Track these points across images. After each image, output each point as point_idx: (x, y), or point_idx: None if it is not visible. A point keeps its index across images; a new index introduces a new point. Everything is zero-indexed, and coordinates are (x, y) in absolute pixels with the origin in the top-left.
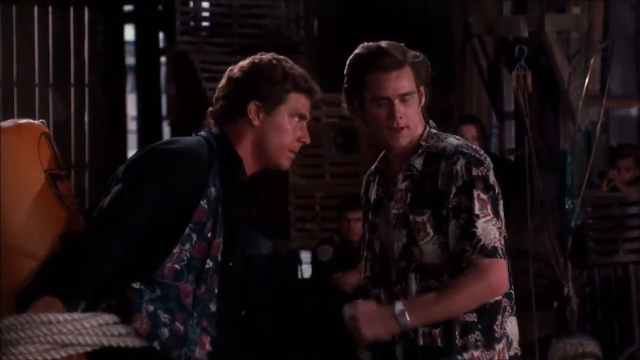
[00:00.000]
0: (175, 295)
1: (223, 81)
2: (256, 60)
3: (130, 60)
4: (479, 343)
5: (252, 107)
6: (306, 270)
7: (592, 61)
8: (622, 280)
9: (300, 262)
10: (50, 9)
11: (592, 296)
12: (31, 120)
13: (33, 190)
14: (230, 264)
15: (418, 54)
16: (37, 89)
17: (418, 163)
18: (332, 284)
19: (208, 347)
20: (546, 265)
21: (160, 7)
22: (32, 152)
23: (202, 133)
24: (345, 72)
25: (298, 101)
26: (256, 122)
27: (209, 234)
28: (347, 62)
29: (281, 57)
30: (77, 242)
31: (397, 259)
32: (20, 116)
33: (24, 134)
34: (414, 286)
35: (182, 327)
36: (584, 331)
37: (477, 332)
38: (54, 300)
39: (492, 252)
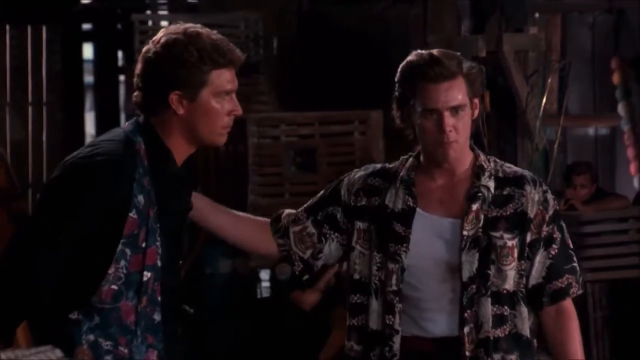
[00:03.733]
0: (116, 318)
1: (140, 67)
2: (169, 42)
3: (89, 78)
4: None
5: (173, 97)
6: (265, 289)
7: (549, 81)
8: (579, 298)
9: (259, 280)
10: (7, 27)
11: None
12: None
13: None
14: (178, 263)
15: (474, 64)
16: None
17: (491, 185)
18: (290, 303)
19: None
20: None
21: (119, 26)
22: None
23: (127, 126)
24: (396, 79)
25: (220, 78)
26: (181, 111)
27: (143, 244)
28: (399, 69)
29: (193, 29)
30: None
31: (464, 283)
32: None
33: None
34: (490, 312)
35: (126, 351)
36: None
37: None
38: None
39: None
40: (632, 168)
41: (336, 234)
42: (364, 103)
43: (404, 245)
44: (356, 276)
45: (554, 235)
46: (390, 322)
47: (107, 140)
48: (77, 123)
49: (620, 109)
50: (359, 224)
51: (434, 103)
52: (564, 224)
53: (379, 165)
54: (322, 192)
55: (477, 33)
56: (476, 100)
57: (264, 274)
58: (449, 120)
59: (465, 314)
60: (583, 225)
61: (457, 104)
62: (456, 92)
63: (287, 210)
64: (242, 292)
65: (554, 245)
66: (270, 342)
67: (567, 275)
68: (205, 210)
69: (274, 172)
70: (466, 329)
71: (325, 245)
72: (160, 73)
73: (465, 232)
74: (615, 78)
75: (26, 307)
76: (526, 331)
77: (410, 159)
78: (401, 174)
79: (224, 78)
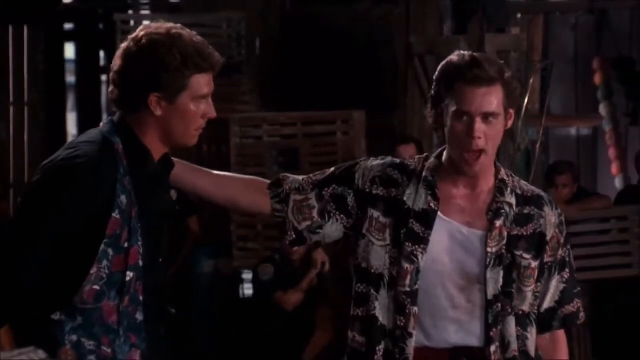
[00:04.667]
0: (98, 318)
1: (119, 63)
2: (152, 43)
3: (71, 78)
4: None
5: (152, 99)
6: (248, 289)
7: (531, 81)
8: None
9: (242, 281)
10: None
11: None
12: None
13: None
14: (160, 261)
15: (512, 74)
16: None
17: (513, 202)
18: (273, 303)
19: None
20: None
21: (101, 26)
22: None
23: (103, 126)
24: (434, 77)
25: (200, 82)
26: (159, 113)
27: (126, 244)
28: (439, 68)
29: (175, 32)
30: None
31: (489, 300)
32: None
33: None
34: (514, 332)
35: (109, 350)
36: None
37: None
38: None
39: None
40: (614, 168)
41: (342, 216)
42: (347, 103)
43: (422, 246)
44: (364, 265)
45: (567, 259)
46: (402, 324)
47: (85, 142)
48: (59, 123)
49: (602, 109)
50: (372, 212)
51: (468, 106)
52: (570, 248)
53: (397, 159)
54: (332, 169)
55: (459, 33)
56: (511, 111)
57: (247, 275)
58: (479, 126)
59: (491, 333)
60: (565, 225)
61: (491, 111)
62: (492, 99)
63: (290, 176)
64: (225, 293)
65: (567, 269)
66: (254, 343)
67: (576, 300)
68: (187, 174)
69: (256, 172)
70: (492, 348)
71: (327, 224)
72: (141, 73)
73: (489, 249)
74: (597, 78)
75: (8, 309)
76: (533, 352)
77: (432, 159)
78: (424, 173)
79: (203, 82)
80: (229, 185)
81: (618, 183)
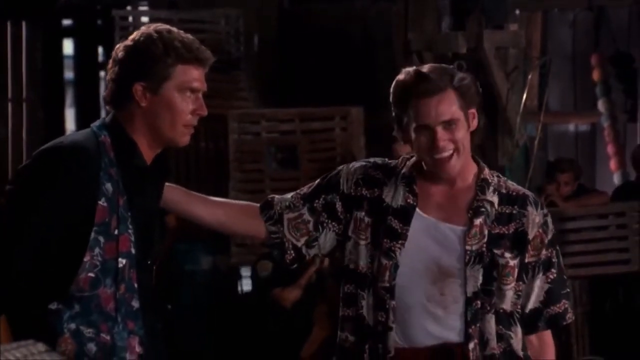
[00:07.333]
0: (96, 305)
1: (110, 62)
2: (137, 37)
3: (69, 74)
4: None
5: (137, 88)
6: (246, 286)
7: (530, 77)
8: None
9: (240, 277)
10: None
11: None
12: None
13: None
14: (148, 258)
15: (464, 75)
16: None
17: (495, 200)
18: (271, 300)
19: (137, 349)
20: None
21: (99, 22)
22: None
23: (94, 124)
24: (390, 99)
25: (186, 74)
26: (144, 103)
27: (115, 232)
28: (391, 90)
29: (164, 27)
30: None
31: (469, 298)
32: None
33: None
34: (494, 330)
35: (108, 337)
36: None
37: None
38: None
39: None
40: (612, 164)
41: (333, 223)
42: (345, 100)
43: (400, 242)
44: (351, 266)
45: (553, 260)
46: (382, 319)
47: (73, 134)
48: (58, 119)
49: (601, 105)
50: (357, 213)
51: (426, 119)
52: (559, 249)
53: (379, 160)
54: (317, 180)
55: (458, 30)
56: (473, 111)
57: (245, 271)
58: (442, 134)
59: (470, 330)
60: (564, 221)
61: (449, 118)
62: (446, 106)
63: (277, 197)
64: (223, 289)
65: (552, 270)
66: (252, 340)
67: (563, 301)
68: (181, 201)
69: (254, 168)
70: (471, 345)
71: (321, 235)
72: (126, 65)
73: (468, 247)
74: (596, 75)
75: (3, 299)
76: (519, 352)
77: (413, 158)
78: (403, 170)
79: (190, 75)
80: (222, 212)
81: (616, 179)
